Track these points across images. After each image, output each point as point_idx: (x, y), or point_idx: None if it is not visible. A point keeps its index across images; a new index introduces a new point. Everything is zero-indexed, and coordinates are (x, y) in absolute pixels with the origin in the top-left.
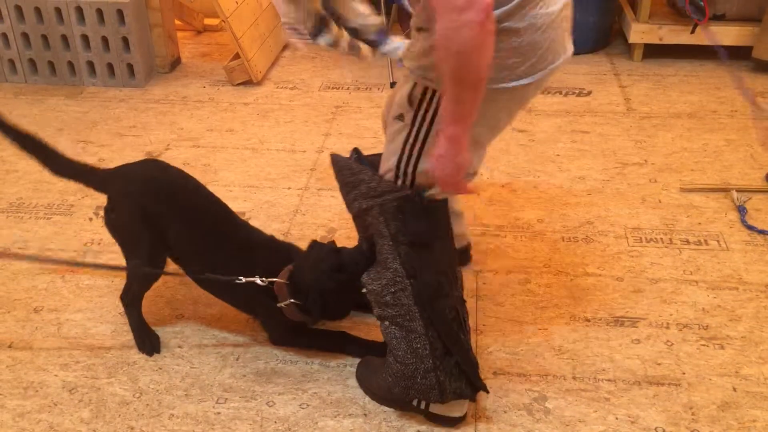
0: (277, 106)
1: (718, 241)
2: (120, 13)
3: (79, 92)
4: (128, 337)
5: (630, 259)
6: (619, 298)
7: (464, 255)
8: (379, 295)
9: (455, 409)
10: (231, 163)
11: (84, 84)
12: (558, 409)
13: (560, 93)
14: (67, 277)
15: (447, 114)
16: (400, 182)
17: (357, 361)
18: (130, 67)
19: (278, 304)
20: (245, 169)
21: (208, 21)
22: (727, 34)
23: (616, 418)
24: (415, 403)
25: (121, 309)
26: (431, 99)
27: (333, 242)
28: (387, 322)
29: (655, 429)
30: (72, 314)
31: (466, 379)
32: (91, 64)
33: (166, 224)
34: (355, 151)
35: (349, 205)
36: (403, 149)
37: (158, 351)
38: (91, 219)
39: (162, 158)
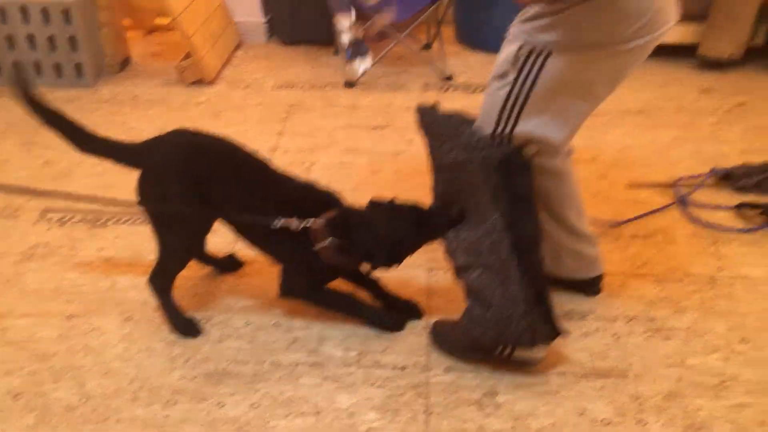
0: (230, 105)
1: (664, 234)
2: (66, 12)
3: None
4: (75, 341)
5: None
6: (566, 293)
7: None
8: (475, 244)
9: (538, 352)
10: None
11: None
12: (508, 403)
13: None
14: (12, 281)
15: None
16: (498, 137)
17: (311, 360)
18: (78, 67)
19: (316, 246)
20: None
21: (158, 20)
22: (673, 32)
23: (565, 411)
24: (498, 351)
25: (68, 313)
26: (536, 60)
27: (393, 200)
28: (479, 270)
29: (602, 420)
30: (16, 319)
31: (551, 324)
32: (37, 65)
33: (209, 186)
34: (437, 104)
35: (442, 156)
36: (504, 106)
37: (201, 332)
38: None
39: None
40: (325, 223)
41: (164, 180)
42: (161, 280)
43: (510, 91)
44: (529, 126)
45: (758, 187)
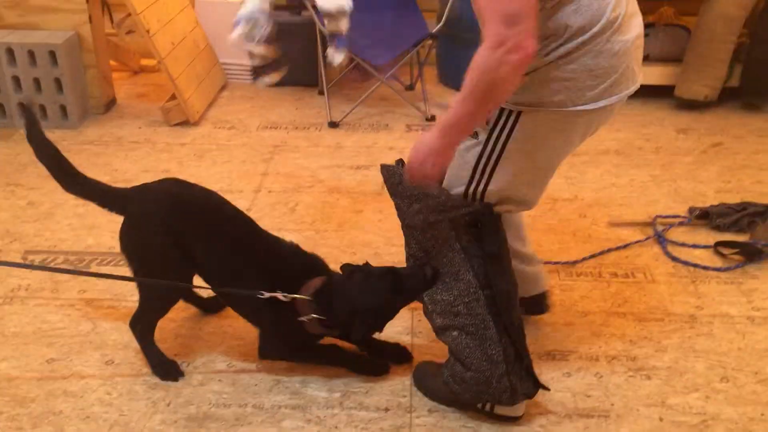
0: (214, 146)
1: (644, 273)
2: (52, 54)
3: (11, 134)
4: (55, 385)
5: (561, 293)
6: (551, 332)
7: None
8: (451, 305)
9: (518, 409)
10: None
11: (16, 126)
12: None
13: None
14: None
15: (452, 118)
16: (470, 197)
17: (294, 402)
18: (63, 108)
19: (300, 318)
20: None
21: (144, 62)
22: (651, 74)
23: None
24: (479, 406)
25: (49, 356)
26: (507, 120)
27: (367, 263)
28: (456, 332)
29: None
30: None
31: (532, 380)
32: (22, 106)
33: (191, 241)
34: (401, 162)
35: (411, 217)
36: (476, 166)
37: (182, 375)
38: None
39: None
40: (311, 296)
41: (146, 229)
42: (142, 325)
43: (482, 152)
44: (501, 184)
45: (735, 226)
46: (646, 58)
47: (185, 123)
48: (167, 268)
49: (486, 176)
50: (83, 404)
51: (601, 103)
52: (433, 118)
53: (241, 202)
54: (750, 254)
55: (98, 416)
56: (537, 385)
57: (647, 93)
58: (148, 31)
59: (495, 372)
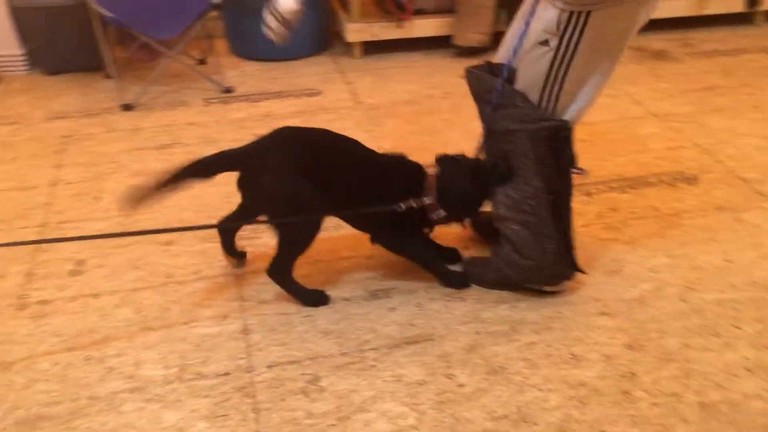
0: None
1: None
2: None
3: None
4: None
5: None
6: (372, 274)
7: None
8: (518, 203)
9: (563, 287)
10: None
11: None
12: (332, 385)
13: (293, 95)
14: None
15: None
16: (544, 104)
17: (130, 386)
18: None
19: (431, 217)
20: None
21: None
22: (427, 26)
23: (384, 381)
24: (528, 287)
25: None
26: (578, 20)
27: (463, 155)
28: (518, 226)
29: (417, 381)
30: None
31: (574, 267)
32: None
33: (316, 174)
34: (488, 64)
35: (494, 122)
36: (549, 72)
37: (329, 299)
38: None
39: None
40: (436, 195)
41: (274, 175)
42: (282, 268)
43: (554, 57)
44: (571, 86)
45: None
46: (422, 12)
47: None
48: (301, 203)
49: (559, 81)
50: None
51: None
52: (229, 90)
53: (37, 198)
54: None
55: None
56: (579, 270)
57: (428, 44)
58: None
59: (547, 262)
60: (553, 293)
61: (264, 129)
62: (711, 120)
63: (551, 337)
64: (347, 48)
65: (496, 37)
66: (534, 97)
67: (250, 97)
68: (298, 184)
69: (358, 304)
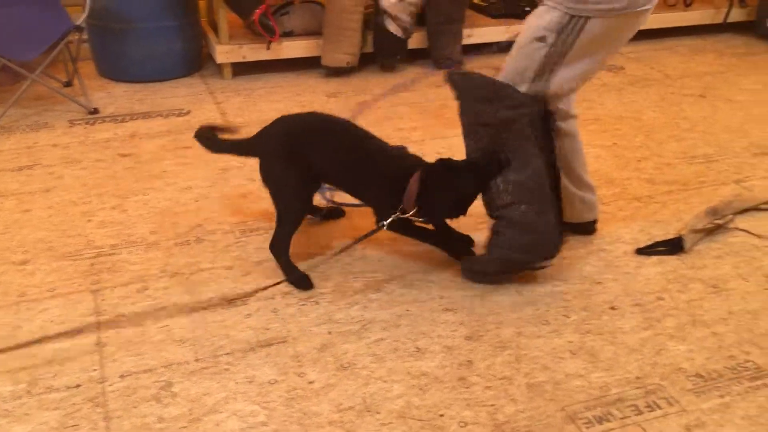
0: None
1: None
2: None
3: None
4: None
5: (238, 249)
6: (230, 283)
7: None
8: (521, 185)
9: (548, 261)
10: None
11: None
12: (184, 390)
13: (161, 116)
14: None
15: None
16: (533, 90)
17: None
18: None
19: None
20: None
21: None
22: (296, 48)
23: (236, 383)
24: (528, 267)
25: None
26: (576, 24)
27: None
28: (525, 206)
29: (269, 381)
30: None
31: (561, 238)
32: None
33: (311, 157)
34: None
35: (488, 116)
36: (542, 65)
37: (312, 286)
38: None
39: None
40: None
41: (272, 160)
42: (280, 244)
43: (549, 52)
44: (560, 81)
45: None
46: (290, 34)
47: None
48: (293, 185)
49: (547, 74)
50: None
51: (646, 6)
52: (96, 111)
53: None
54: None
55: None
56: (563, 242)
57: (298, 65)
58: None
59: (551, 231)
60: (543, 268)
61: (128, 149)
62: None
63: (398, 333)
64: (218, 69)
65: (363, 58)
66: (523, 87)
67: (117, 118)
68: (288, 166)
69: (215, 312)
